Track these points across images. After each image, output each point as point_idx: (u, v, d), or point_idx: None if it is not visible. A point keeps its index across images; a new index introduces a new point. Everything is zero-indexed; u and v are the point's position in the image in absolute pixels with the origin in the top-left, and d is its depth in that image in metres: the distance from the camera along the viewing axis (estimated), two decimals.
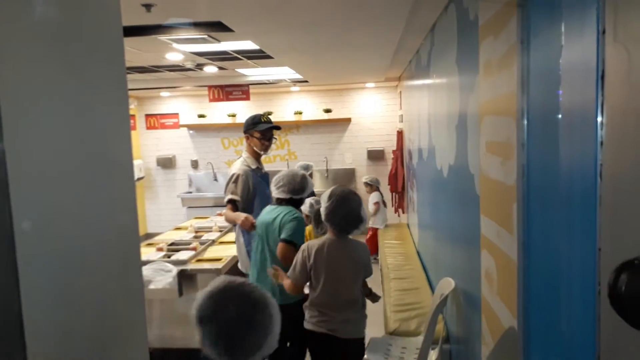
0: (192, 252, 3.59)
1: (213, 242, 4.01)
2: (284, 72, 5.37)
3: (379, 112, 7.30)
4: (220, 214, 5.18)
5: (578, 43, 1.05)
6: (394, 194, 6.44)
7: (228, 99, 6.38)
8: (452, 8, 2.51)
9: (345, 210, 2.27)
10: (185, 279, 3.33)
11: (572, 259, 1.08)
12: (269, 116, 3.38)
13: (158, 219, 7.69)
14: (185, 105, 7.56)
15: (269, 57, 4.23)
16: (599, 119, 0.93)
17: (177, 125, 7.57)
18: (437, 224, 3.29)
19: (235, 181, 3.14)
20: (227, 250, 3.72)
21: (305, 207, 3.32)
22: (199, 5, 2.56)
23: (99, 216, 0.86)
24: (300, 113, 7.28)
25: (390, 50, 4.15)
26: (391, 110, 7.25)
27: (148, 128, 7.63)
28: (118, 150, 0.94)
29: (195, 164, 7.63)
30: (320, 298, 2.30)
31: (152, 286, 3.19)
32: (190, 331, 3.85)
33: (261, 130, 3.22)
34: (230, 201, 3.11)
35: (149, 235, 6.79)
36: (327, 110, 7.25)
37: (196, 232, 4.37)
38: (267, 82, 6.20)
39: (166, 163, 7.63)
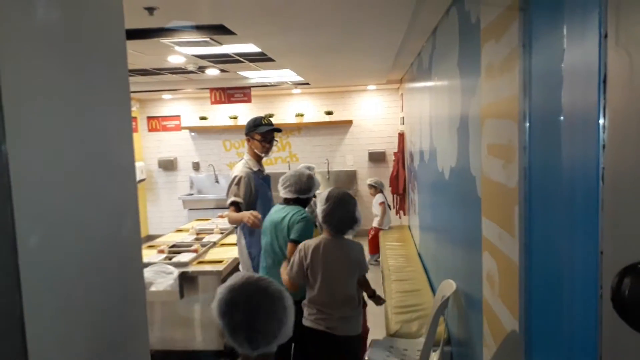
0: (194, 254, 3.59)
1: (214, 244, 4.01)
2: (286, 75, 5.38)
3: (380, 115, 7.30)
4: (221, 216, 5.19)
5: (580, 47, 1.05)
6: (395, 195, 6.44)
7: (230, 102, 6.39)
8: (453, 11, 2.51)
9: (342, 212, 2.35)
10: (187, 281, 3.33)
11: (574, 262, 1.08)
12: (270, 118, 3.38)
13: (159, 221, 7.70)
14: (186, 108, 7.58)
15: (270, 59, 4.23)
16: (601, 122, 0.93)
17: (178, 128, 7.59)
18: (438, 226, 3.28)
19: (238, 183, 3.15)
20: (229, 253, 3.72)
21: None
22: (201, 9, 2.56)
23: (101, 218, 0.86)
24: (302, 115, 7.29)
25: (392, 52, 4.15)
26: (392, 112, 7.25)
27: (150, 130, 7.65)
28: (120, 152, 0.94)
29: (196, 166, 7.64)
30: (318, 296, 2.36)
31: (153, 288, 3.19)
32: (191, 333, 3.85)
33: (262, 133, 3.23)
34: (233, 203, 3.11)
35: (150, 237, 6.79)
36: (329, 113, 7.26)
37: (197, 234, 4.37)
38: (268, 84, 6.21)
39: (168, 165, 7.64)
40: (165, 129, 7.63)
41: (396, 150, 6.58)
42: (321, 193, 2.48)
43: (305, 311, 2.42)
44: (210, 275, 3.34)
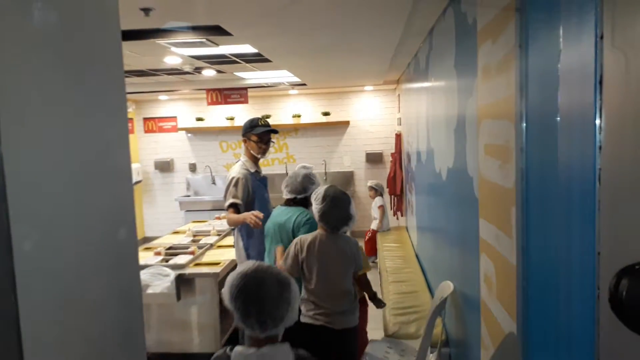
0: (190, 256, 3.58)
1: (211, 245, 4.00)
2: (283, 75, 5.38)
3: (377, 115, 7.31)
4: (218, 218, 5.18)
5: (576, 47, 1.05)
6: (392, 196, 6.44)
7: (226, 102, 6.38)
8: (450, 12, 2.51)
9: (338, 211, 2.41)
10: (183, 283, 3.32)
11: (571, 263, 1.08)
12: (267, 120, 3.38)
13: (156, 223, 7.68)
14: (183, 109, 7.56)
15: (267, 60, 4.23)
16: (597, 122, 0.94)
17: (175, 129, 7.57)
18: (435, 227, 3.29)
19: (236, 185, 3.14)
20: (226, 254, 3.71)
21: None
22: (198, 9, 2.56)
23: (97, 220, 0.85)
24: (299, 116, 7.29)
25: (389, 53, 4.16)
26: (390, 113, 7.26)
27: (146, 131, 7.63)
28: (116, 154, 0.93)
29: (193, 168, 7.62)
30: (315, 290, 2.41)
31: (150, 290, 3.17)
32: (188, 336, 3.83)
33: (259, 134, 3.22)
34: (232, 205, 3.10)
35: (147, 239, 6.78)
36: (326, 113, 7.26)
37: (194, 236, 4.36)
38: (265, 85, 6.20)
39: (164, 166, 7.62)
40: (161, 130, 7.61)
41: (393, 151, 6.59)
42: (316, 191, 2.50)
43: (303, 308, 2.45)
44: (207, 277, 3.33)
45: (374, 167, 7.35)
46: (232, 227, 3.29)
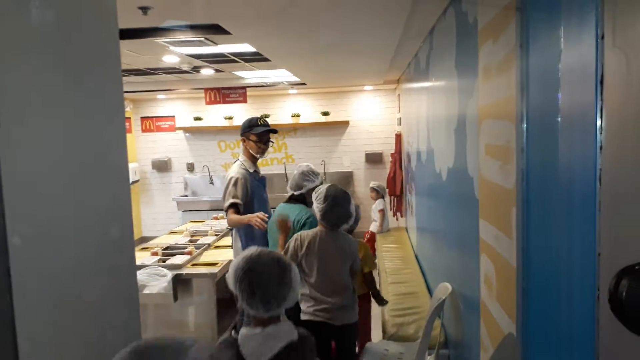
0: (188, 257, 3.57)
1: (209, 246, 3.99)
2: (282, 75, 5.37)
3: (377, 115, 7.30)
4: (216, 218, 5.16)
5: (577, 47, 1.05)
6: (392, 197, 6.43)
7: (225, 102, 6.37)
8: (451, 12, 2.51)
9: (340, 210, 2.47)
10: (180, 283, 3.31)
11: (571, 264, 1.08)
12: (266, 119, 3.38)
13: (153, 223, 7.66)
14: (181, 108, 7.55)
15: (266, 59, 4.22)
16: (598, 123, 0.93)
17: (173, 128, 7.55)
18: (435, 227, 3.28)
19: (235, 184, 3.13)
20: (223, 255, 3.70)
21: None
22: (196, 8, 2.55)
23: (94, 221, 0.85)
24: (298, 116, 7.28)
25: (389, 53, 4.15)
26: (390, 113, 7.25)
27: (144, 131, 7.61)
28: (114, 154, 0.92)
29: (191, 167, 7.61)
30: (315, 285, 2.45)
31: (146, 291, 3.16)
32: (185, 336, 3.82)
33: (257, 134, 3.21)
34: (233, 205, 3.09)
35: (144, 239, 6.76)
36: (325, 113, 7.25)
37: (191, 236, 4.35)
38: (264, 84, 6.19)
39: (162, 166, 7.60)
40: (159, 129, 7.60)
41: (393, 151, 6.58)
42: (317, 190, 2.52)
43: (303, 305, 2.48)
44: (205, 277, 3.32)
45: (374, 167, 7.34)
46: (231, 228, 3.27)
